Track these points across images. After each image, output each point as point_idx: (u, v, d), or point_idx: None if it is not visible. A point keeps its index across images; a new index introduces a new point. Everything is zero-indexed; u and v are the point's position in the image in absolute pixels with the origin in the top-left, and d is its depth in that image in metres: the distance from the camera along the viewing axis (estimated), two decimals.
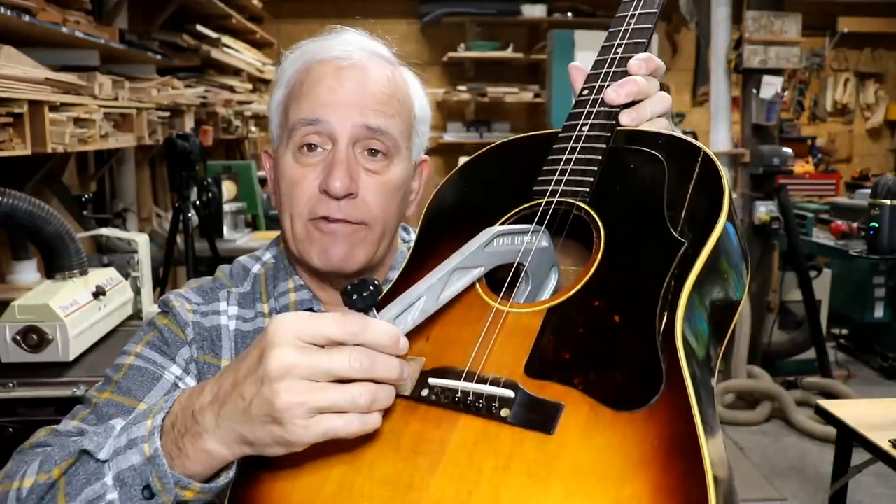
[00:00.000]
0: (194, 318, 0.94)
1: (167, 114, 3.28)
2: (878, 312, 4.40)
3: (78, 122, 2.26)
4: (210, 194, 3.16)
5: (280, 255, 1.01)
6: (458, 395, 0.64)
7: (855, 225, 4.12)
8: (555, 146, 0.79)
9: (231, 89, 4.47)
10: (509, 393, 0.62)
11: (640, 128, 0.77)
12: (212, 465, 0.66)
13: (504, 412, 0.61)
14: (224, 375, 0.66)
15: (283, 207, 0.93)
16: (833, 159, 7.27)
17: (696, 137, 4.19)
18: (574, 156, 0.76)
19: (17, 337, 1.73)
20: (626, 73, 0.79)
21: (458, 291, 0.70)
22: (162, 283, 3.03)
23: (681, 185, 0.69)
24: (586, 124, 0.78)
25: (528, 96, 6.38)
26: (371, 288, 0.63)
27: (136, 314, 2.22)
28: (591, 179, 0.74)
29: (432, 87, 6.46)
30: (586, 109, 0.79)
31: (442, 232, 0.83)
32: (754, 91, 3.91)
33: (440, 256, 0.72)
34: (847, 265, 4.39)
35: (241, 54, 4.66)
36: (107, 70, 2.73)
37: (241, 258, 1.04)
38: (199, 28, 3.90)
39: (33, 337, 1.73)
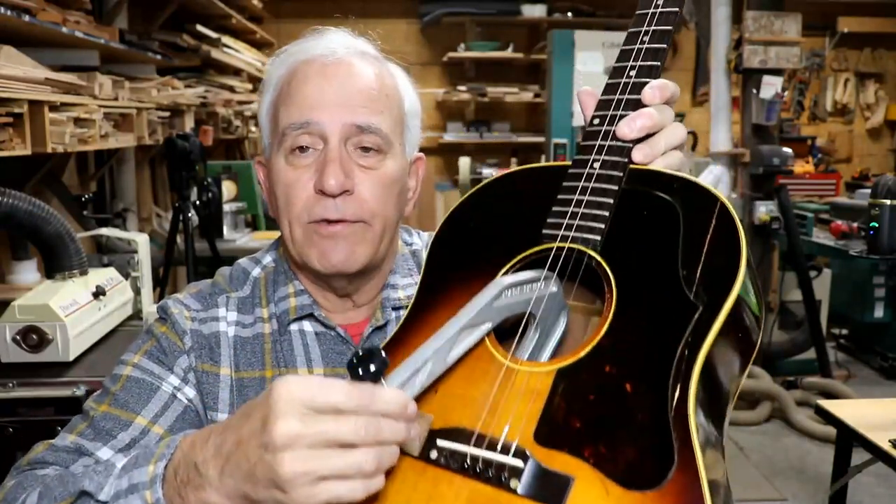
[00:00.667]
0: (193, 326, 0.93)
1: (167, 114, 3.28)
2: (878, 312, 4.40)
3: (78, 122, 2.26)
4: (210, 194, 3.16)
5: (280, 258, 1.00)
6: (468, 460, 0.63)
7: (855, 225, 4.12)
8: (565, 183, 0.76)
9: (231, 89, 4.47)
10: (519, 463, 0.61)
11: (654, 166, 0.74)
12: None
13: (513, 483, 0.60)
14: (227, 430, 0.65)
15: (280, 213, 0.92)
16: (833, 159, 7.27)
17: (696, 137, 4.21)
18: (585, 197, 0.74)
19: (17, 337, 1.73)
20: (639, 102, 0.76)
21: (466, 350, 0.69)
22: (162, 283, 3.03)
23: (696, 241, 0.67)
24: (597, 160, 0.75)
25: (528, 96, 6.38)
26: (379, 362, 0.62)
27: (136, 314, 2.22)
28: (603, 226, 0.71)
29: (432, 87, 6.46)
30: (597, 143, 0.76)
31: (449, 270, 0.81)
32: (754, 91, 3.91)
33: (447, 299, 0.71)
34: (847, 265, 4.39)
35: (241, 54, 4.66)
36: (107, 70, 2.73)
37: (241, 261, 1.03)
38: (199, 28, 3.90)
39: (33, 337, 1.73)
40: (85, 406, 0.91)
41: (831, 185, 6.26)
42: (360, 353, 0.62)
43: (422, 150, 1.03)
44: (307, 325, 0.95)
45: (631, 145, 0.75)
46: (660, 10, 0.79)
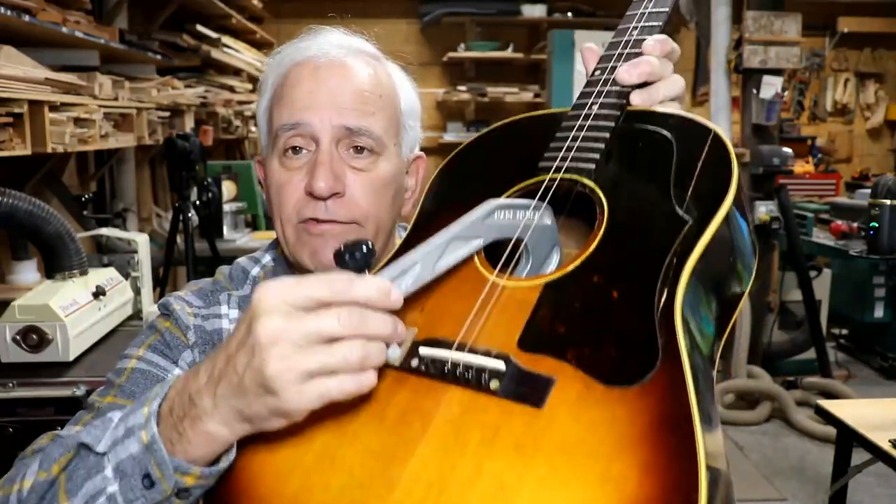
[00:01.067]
0: (196, 322, 0.94)
1: (167, 114, 3.28)
2: (878, 312, 4.40)
3: (78, 122, 2.26)
4: (210, 194, 3.16)
5: (278, 258, 1.01)
6: (448, 365, 0.62)
7: (855, 225, 4.12)
8: (563, 124, 0.78)
9: (231, 89, 4.47)
10: (500, 365, 0.60)
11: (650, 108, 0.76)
12: (213, 449, 0.65)
13: (494, 384, 0.60)
14: (217, 354, 0.64)
15: (274, 213, 0.92)
16: (833, 159, 7.27)
17: None
18: (581, 133, 0.75)
19: (17, 337, 1.73)
20: (640, 55, 0.77)
21: (456, 262, 0.68)
22: (162, 283, 3.03)
23: (688, 164, 0.68)
24: (596, 103, 0.77)
25: (528, 96, 6.38)
26: (364, 249, 0.61)
27: (136, 314, 2.22)
28: (597, 157, 0.72)
29: (432, 87, 6.46)
30: (597, 89, 0.78)
31: (442, 207, 0.82)
32: (754, 91, 3.91)
33: (442, 223, 0.70)
34: (847, 265, 4.39)
35: (241, 54, 4.66)
36: (107, 70, 2.73)
37: (240, 260, 1.03)
38: (199, 28, 3.90)
39: (33, 337, 1.73)
40: (89, 400, 0.91)
41: (831, 185, 6.26)
42: (346, 243, 0.62)
43: (422, 150, 1.03)
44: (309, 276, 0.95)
45: (630, 90, 0.76)
46: None
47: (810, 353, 4.13)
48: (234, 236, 3.70)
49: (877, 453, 1.80)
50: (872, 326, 4.51)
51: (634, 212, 0.68)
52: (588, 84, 0.80)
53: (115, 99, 2.59)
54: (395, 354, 0.64)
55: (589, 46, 0.84)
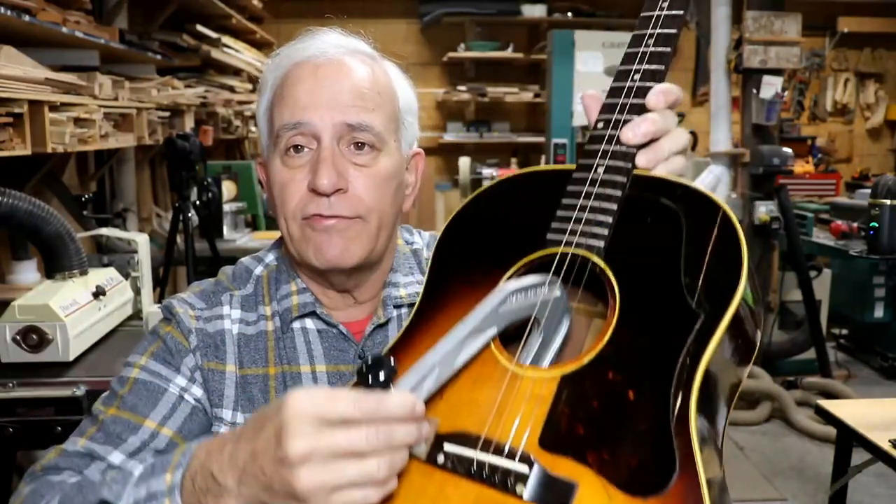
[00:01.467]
0: (198, 325, 0.94)
1: (167, 114, 3.28)
2: (878, 312, 4.40)
3: (78, 122, 2.26)
4: (210, 194, 3.16)
5: (282, 257, 1.01)
6: (475, 465, 0.64)
7: (855, 225, 4.12)
8: (569, 187, 0.77)
9: (231, 89, 4.47)
10: (525, 469, 0.62)
11: (657, 172, 0.75)
12: None
13: (519, 489, 0.61)
14: (241, 440, 0.67)
15: (277, 212, 0.93)
16: (833, 159, 7.27)
17: (696, 137, 4.20)
18: (589, 202, 0.74)
19: (17, 337, 1.73)
20: (643, 106, 0.76)
21: (473, 355, 0.70)
22: (162, 283, 3.03)
23: (698, 249, 0.68)
24: (601, 165, 0.76)
25: (528, 96, 6.38)
26: (387, 370, 0.64)
27: (136, 314, 2.22)
28: (606, 232, 0.72)
29: (432, 87, 6.46)
30: (601, 147, 0.76)
31: (453, 273, 0.82)
32: (754, 91, 3.91)
33: (451, 302, 0.72)
34: (847, 265, 4.39)
35: (241, 54, 4.66)
36: (107, 70, 2.73)
37: (243, 259, 1.04)
38: (199, 28, 3.90)
39: (33, 337, 1.73)
40: (93, 409, 0.92)
41: (831, 185, 6.26)
42: (369, 362, 0.64)
43: (422, 149, 1.03)
44: (309, 323, 0.96)
45: (635, 150, 0.75)
46: (665, 13, 0.79)
47: (810, 353, 4.13)
48: (234, 236, 3.70)
49: (877, 453, 1.80)
50: (872, 326, 4.51)
51: (646, 301, 0.68)
52: (591, 139, 0.78)
53: (115, 99, 2.59)
54: (420, 449, 0.66)
55: (591, 94, 0.83)
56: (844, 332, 4.86)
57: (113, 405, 0.90)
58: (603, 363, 0.66)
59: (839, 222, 4.21)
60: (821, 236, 4.35)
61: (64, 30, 2.27)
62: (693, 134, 5.58)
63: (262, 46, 5.67)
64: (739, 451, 3.47)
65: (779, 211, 3.93)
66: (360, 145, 0.89)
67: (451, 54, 6.23)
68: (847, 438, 1.97)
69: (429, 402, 0.67)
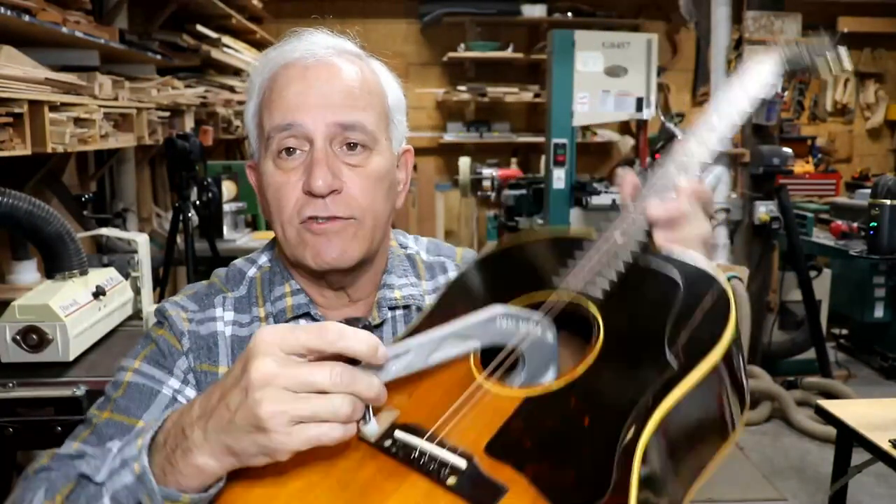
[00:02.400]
0: (190, 327, 0.94)
1: (167, 114, 3.28)
2: (878, 312, 4.40)
3: (78, 122, 2.26)
4: (210, 194, 3.16)
5: (275, 258, 1.01)
6: (416, 453, 0.66)
7: (855, 225, 4.12)
8: (586, 242, 0.81)
9: (231, 89, 4.46)
10: (461, 463, 0.63)
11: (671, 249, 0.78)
12: (203, 480, 0.67)
13: (451, 480, 0.63)
14: (212, 390, 0.68)
15: (272, 216, 0.93)
16: (833, 159, 7.27)
17: None
18: (598, 256, 0.78)
19: (17, 337, 1.73)
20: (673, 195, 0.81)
21: (449, 357, 0.72)
22: (162, 283, 3.03)
23: (689, 311, 0.70)
24: (619, 230, 0.80)
25: (528, 96, 6.38)
26: (361, 324, 0.67)
27: (136, 314, 2.22)
28: (607, 285, 0.75)
29: (432, 87, 6.46)
30: (626, 214, 0.81)
31: (457, 304, 0.84)
32: None
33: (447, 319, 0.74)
34: (847, 265, 4.39)
35: (241, 54, 4.66)
36: (107, 70, 2.73)
37: (236, 261, 1.04)
38: (199, 28, 3.90)
39: (33, 337, 1.73)
40: (87, 414, 0.92)
41: (831, 185, 6.26)
42: (345, 319, 0.66)
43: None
44: (303, 324, 0.96)
45: (654, 224, 0.79)
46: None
47: (810, 353, 4.13)
48: (234, 236, 3.70)
49: (877, 453, 1.80)
50: (872, 326, 4.51)
51: (627, 344, 0.71)
52: (621, 208, 0.83)
53: (115, 99, 2.59)
54: (374, 430, 0.67)
55: (627, 176, 0.86)
56: (844, 332, 4.86)
57: (106, 409, 0.90)
58: (569, 391, 0.68)
59: (839, 222, 4.21)
60: (821, 236, 4.35)
61: (64, 30, 2.27)
62: None
63: (261, 46, 5.66)
64: (739, 451, 3.47)
65: (779, 211, 3.93)
66: (352, 146, 0.89)
67: (451, 54, 6.22)
68: (847, 438, 1.97)
69: (395, 393, 0.69)
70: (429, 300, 1.00)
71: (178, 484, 0.67)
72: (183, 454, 0.67)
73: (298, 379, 0.62)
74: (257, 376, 0.62)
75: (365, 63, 0.95)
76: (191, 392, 0.92)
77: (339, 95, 0.89)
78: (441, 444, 0.66)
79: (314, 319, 0.95)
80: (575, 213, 3.84)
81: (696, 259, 0.75)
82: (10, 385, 1.67)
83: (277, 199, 0.90)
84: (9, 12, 1.96)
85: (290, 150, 0.89)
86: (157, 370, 0.93)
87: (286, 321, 0.95)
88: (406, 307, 0.99)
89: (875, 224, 3.49)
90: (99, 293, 1.91)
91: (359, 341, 0.64)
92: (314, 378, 0.62)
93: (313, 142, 0.88)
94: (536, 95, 6.37)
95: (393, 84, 0.98)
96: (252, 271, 1.01)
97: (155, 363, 0.93)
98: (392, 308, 0.98)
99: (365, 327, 0.68)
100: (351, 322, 0.67)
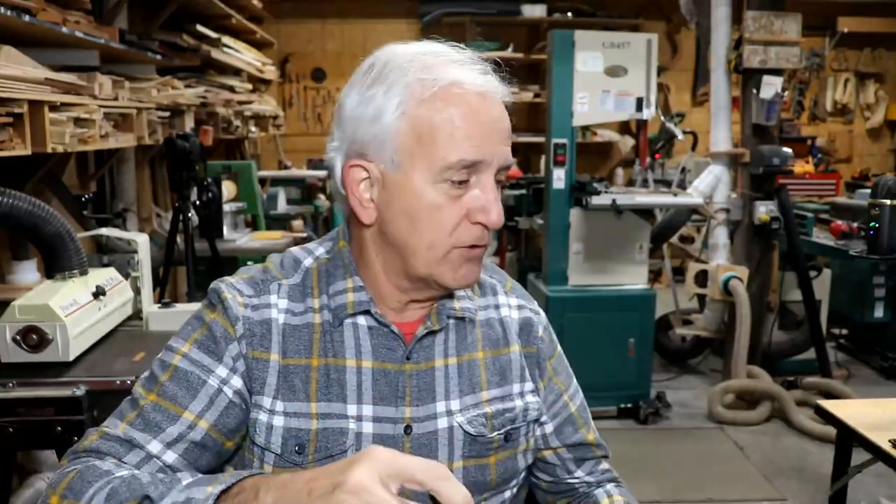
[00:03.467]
0: (245, 313, 0.96)
1: (167, 114, 3.28)
2: (878, 312, 4.40)
3: (78, 122, 2.26)
4: (210, 194, 3.16)
5: (338, 253, 1.01)
6: None
7: (855, 225, 4.11)
8: None
9: (231, 89, 4.47)
10: None
11: None
12: None
13: None
14: (308, 471, 0.71)
15: (418, 231, 0.92)
16: (833, 159, 7.27)
17: (696, 137, 4.20)
18: None
19: (17, 337, 1.73)
20: None
21: None
22: (162, 283, 3.03)
23: None
24: None
25: (528, 96, 6.38)
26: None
27: (136, 314, 2.22)
28: None
29: None
30: None
31: None
32: (754, 91, 3.91)
33: None
34: (847, 265, 4.39)
35: (241, 54, 4.66)
36: (107, 70, 2.73)
37: (292, 249, 1.05)
38: (199, 28, 3.90)
39: (33, 337, 1.73)
40: (134, 392, 0.94)
41: (831, 185, 6.26)
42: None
43: None
44: (361, 320, 0.98)
45: None
46: None
47: (810, 353, 4.13)
48: (234, 236, 3.69)
49: (877, 453, 1.80)
50: (872, 326, 4.51)
51: None
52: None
53: (115, 99, 2.59)
54: None
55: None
56: (844, 332, 4.86)
57: (153, 391, 0.92)
58: None
59: (839, 222, 4.20)
60: (821, 236, 4.34)
61: (64, 30, 2.27)
62: (693, 134, 5.58)
63: (262, 46, 5.67)
64: (739, 451, 3.47)
65: (779, 211, 3.93)
66: (499, 182, 0.95)
67: None
68: (847, 438, 1.97)
69: None
70: (481, 315, 1.05)
71: None
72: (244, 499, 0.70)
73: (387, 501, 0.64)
74: (353, 481, 0.64)
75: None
76: (237, 381, 0.94)
77: (505, 134, 0.94)
78: None
79: (374, 318, 0.97)
80: (575, 213, 3.83)
81: None
82: (10, 385, 1.67)
83: (436, 220, 0.91)
84: (9, 12, 1.96)
85: (462, 183, 0.91)
86: (206, 356, 0.94)
87: (345, 316, 0.96)
88: (461, 319, 1.02)
89: (875, 224, 3.49)
90: (99, 293, 1.91)
91: (458, 491, 0.66)
92: None
93: (487, 177, 0.92)
94: (536, 95, 6.37)
95: None
96: (308, 261, 1.02)
97: (205, 349, 0.94)
98: (450, 317, 1.01)
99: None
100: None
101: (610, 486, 1.12)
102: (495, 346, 1.04)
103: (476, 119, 0.90)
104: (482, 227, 0.92)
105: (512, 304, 1.09)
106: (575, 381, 1.14)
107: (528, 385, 1.06)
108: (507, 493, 1.05)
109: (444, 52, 0.95)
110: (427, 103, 0.89)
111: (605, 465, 1.14)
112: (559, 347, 1.14)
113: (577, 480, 1.11)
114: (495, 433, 1.00)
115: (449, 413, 0.98)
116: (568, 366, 1.14)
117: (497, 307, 1.08)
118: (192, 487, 0.75)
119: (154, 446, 0.90)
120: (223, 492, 0.73)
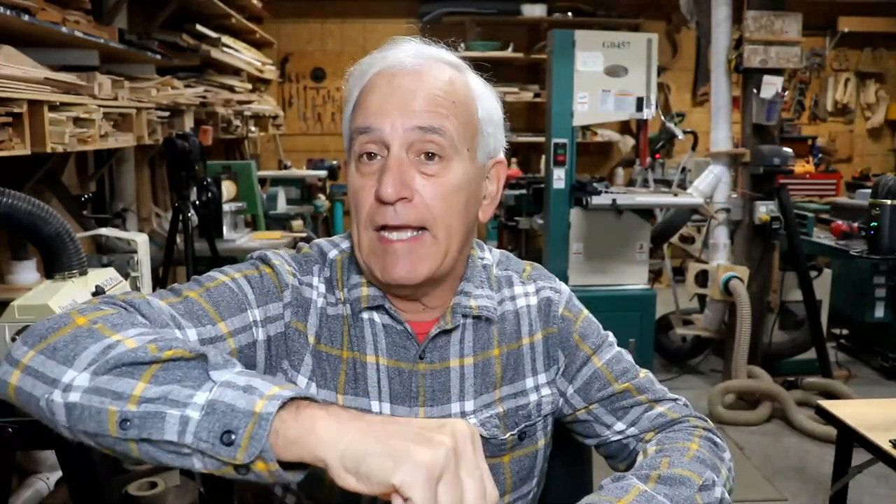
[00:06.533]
0: (293, 282, 0.97)
1: (167, 114, 3.28)
2: (879, 312, 4.39)
3: (77, 121, 2.25)
4: (210, 194, 3.16)
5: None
6: None
7: (855, 225, 4.11)
8: None
9: (231, 89, 4.46)
10: None
11: None
12: (298, 452, 0.63)
13: None
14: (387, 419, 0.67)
15: (352, 218, 0.95)
16: (833, 159, 7.27)
17: (696, 137, 4.20)
18: None
19: (17, 337, 1.72)
20: None
21: None
22: (162, 283, 3.03)
23: None
24: None
25: (528, 96, 6.38)
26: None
27: None
28: None
29: None
30: None
31: None
32: (754, 91, 3.90)
33: None
34: (847, 265, 4.39)
35: (240, 54, 4.66)
36: (107, 70, 2.73)
37: (319, 240, 1.06)
38: (199, 28, 3.90)
39: None
40: (173, 287, 0.92)
41: (831, 185, 6.26)
42: None
43: (504, 158, 1.05)
44: (377, 316, 0.98)
45: None
46: None
47: (810, 353, 4.13)
48: (233, 236, 3.69)
49: (877, 453, 1.79)
50: (873, 326, 4.50)
51: None
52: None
53: (115, 99, 2.59)
54: None
55: None
56: (845, 332, 4.85)
57: (198, 291, 0.91)
58: None
59: (839, 222, 4.20)
60: (821, 236, 4.34)
61: (63, 30, 2.26)
62: (693, 134, 5.58)
63: (262, 46, 5.67)
64: (739, 451, 3.47)
65: (779, 211, 3.93)
66: (430, 155, 0.90)
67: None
68: (847, 438, 1.97)
69: None
70: (499, 310, 1.02)
71: (276, 446, 0.63)
72: (311, 412, 0.64)
73: (470, 466, 0.63)
74: (460, 427, 0.64)
75: (458, 73, 0.97)
76: (262, 334, 0.92)
77: (421, 101, 0.90)
78: None
79: (388, 313, 0.97)
80: (575, 213, 3.83)
81: None
82: None
83: (355, 203, 0.93)
84: (8, 12, 1.95)
85: (370, 155, 0.91)
86: (250, 292, 0.93)
87: (360, 310, 0.97)
88: (478, 317, 1.00)
89: (875, 224, 3.49)
90: (98, 293, 1.91)
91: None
92: (487, 475, 0.64)
93: (389, 148, 0.89)
94: (536, 95, 6.37)
95: (488, 97, 0.99)
96: (333, 253, 1.03)
97: (252, 286, 0.94)
98: (465, 316, 1.00)
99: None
100: None
101: (658, 436, 1.02)
102: (509, 341, 1.03)
103: (376, 93, 0.91)
104: (386, 205, 0.89)
105: (530, 291, 1.07)
106: (610, 337, 1.09)
107: (542, 377, 1.05)
108: (528, 492, 1.05)
109: (382, 49, 0.97)
110: (357, 98, 0.95)
111: (658, 409, 1.04)
112: (585, 312, 1.10)
113: (621, 435, 1.05)
114: (508, 434, 1.00)
115: (463, 415, 0.98)
116: (599, 327, 1.10)
117: (513, 298, 1.06)
118: (254, 377, 0.67)
119: (191, 333, 0.85)
120: (291, 399, 0.65)
